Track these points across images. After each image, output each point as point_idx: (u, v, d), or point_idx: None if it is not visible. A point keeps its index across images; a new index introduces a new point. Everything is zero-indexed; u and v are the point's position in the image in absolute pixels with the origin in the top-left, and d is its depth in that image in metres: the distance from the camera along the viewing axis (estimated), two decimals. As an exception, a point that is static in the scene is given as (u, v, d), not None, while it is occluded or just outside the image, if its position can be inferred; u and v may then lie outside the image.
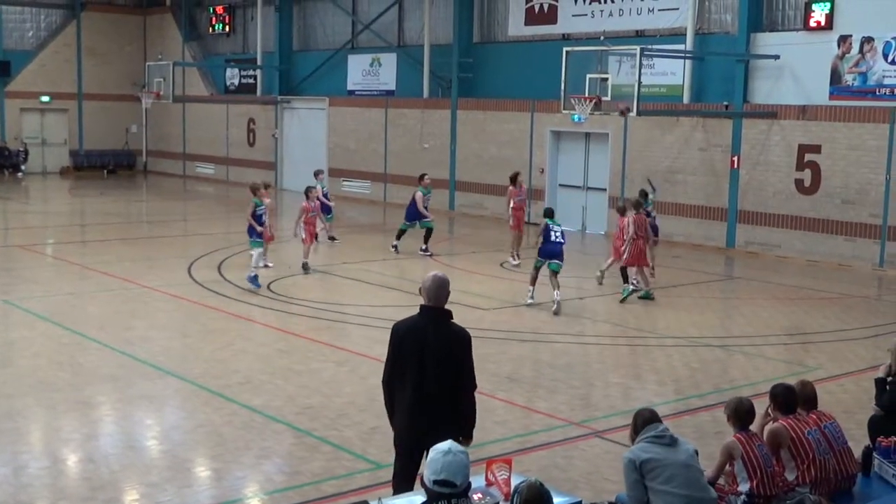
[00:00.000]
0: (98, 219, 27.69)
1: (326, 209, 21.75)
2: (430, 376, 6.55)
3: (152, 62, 34.86)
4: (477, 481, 5.86)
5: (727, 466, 6.82)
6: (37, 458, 8.88)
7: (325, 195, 22.14)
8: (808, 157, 21.14)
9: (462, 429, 6.66)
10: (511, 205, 20.40)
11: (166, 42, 40.85)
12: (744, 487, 6.68)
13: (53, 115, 40.41)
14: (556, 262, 15.58)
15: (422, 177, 21.46)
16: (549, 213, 16.41)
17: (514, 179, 20.60)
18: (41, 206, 31.33)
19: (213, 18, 38.93)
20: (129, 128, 41.86)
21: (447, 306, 6.71)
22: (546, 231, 15.72)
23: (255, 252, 17.32)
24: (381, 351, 12.72)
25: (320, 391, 10.96)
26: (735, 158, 22.43)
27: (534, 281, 15.87)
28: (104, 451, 9.11)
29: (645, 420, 6.44)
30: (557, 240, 15.66)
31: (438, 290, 6.60)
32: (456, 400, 6.64)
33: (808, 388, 7.42)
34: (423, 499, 4.68)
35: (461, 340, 6.65)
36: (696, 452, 6.47)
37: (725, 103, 22.55)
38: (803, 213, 21.32)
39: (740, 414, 6.88)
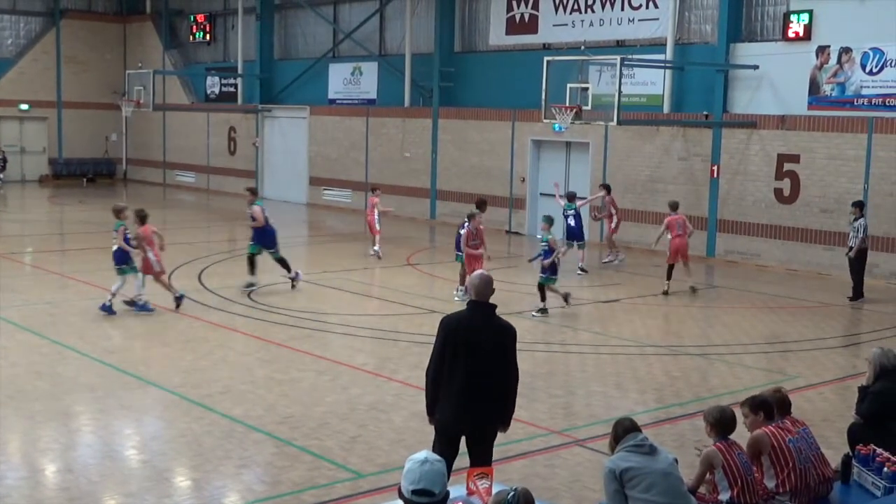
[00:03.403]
0: (77, 227, 27.52)
1: None
2: (482, 366, 7.03)
3: (132, 70, 34.71)
4: (458, 490, 5.86)
5: (708, 475, 6.84)
6: (15, 468, 8.81)
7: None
8: (787, 166, 21.27)
9: (502, 417, 7.32)
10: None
11: (146, 50, 40.72)
12: (724, 496, 6.70)
13: (32, 124, 40.19)
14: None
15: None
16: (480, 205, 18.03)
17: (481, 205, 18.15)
18: (20, 215, 31.09)
19: (194, 27, 38.85)
20: (108, 136, 41.68)
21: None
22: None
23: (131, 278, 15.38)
24: (363, 360, 12.79)
25: (301, 400, 10.93)
26: (715, 168, 22.55)
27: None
28: (83, 461, 9.06)
29: (625, 429, 6.46)
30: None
31: (486, 287, 7.17)
32: (501, 389, 7.17)
33: (778, 393, 7.49)
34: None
35: (509, 332, 7.20)
36: (676, 461, 6.49)
37: (705, 113, 22.67)
38: (782, 222, 21.44)
39: (723, 423, 6.90)
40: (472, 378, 7.02)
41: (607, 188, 21.94)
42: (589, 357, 13.40)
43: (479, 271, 7.37)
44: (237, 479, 8.66)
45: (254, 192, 18.36)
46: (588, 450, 9.54)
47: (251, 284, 17.30)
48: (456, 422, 7.15)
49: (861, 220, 17.66)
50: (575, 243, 20.52)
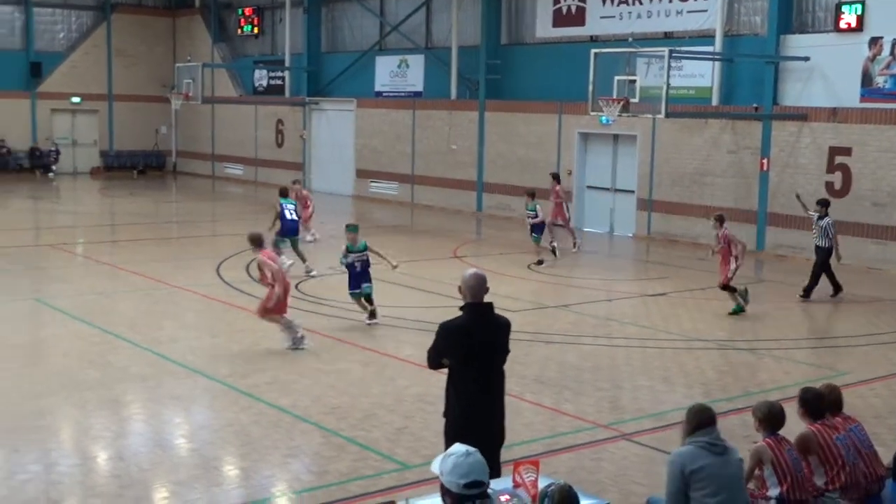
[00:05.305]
0: (128, 219, 27.89)
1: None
2: (495, 368, 6.90)
3: (181, 63, 35.06)
4: (504, 482, 5.87)
5: (756, 471, 6.78)
6: (67, 455, 8.96)
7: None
8: (838, 159, 20.97)
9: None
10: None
11: (195, 43, 41.09)
12: (774, 492, 6.63)
13: (84, 116, 40.75)
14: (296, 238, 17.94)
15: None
16: (282, 193, 18.83)
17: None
18: (72, 206, 31.59)
19: (242, 20, 39.13)
20: (158, 129, 42.15)
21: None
22: (281, 209, 17.81)
23: None
24: (409, 352, 12.81)
25: (347, 391, 10.99)
26: (764, 161, 22.28)
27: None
28: (133, 449, 9.19)
29: (702, 422, 6.19)
30: (291, 217, 17.71)
31: (482, 287, 6.85)
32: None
33: (834, 392, 7.37)
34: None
35: (509, 326, 7.03)
36: (741, 460, 6.35)
37: (755, 105, 22.40)
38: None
39: (772, 418, 6.81)
40: (489, 380, 6.86)
41: (555, 177, 22.02)
42: (635, 351, 13.33)
43: (471, 270, 6.98)
44: (285, 469, 8.74)
45: None
46: (635, 444, 9.50)
47: None
48: (476, 426, 6.78)
49: (827, 219, 17.32)
50: (535, 237, 20.48)
